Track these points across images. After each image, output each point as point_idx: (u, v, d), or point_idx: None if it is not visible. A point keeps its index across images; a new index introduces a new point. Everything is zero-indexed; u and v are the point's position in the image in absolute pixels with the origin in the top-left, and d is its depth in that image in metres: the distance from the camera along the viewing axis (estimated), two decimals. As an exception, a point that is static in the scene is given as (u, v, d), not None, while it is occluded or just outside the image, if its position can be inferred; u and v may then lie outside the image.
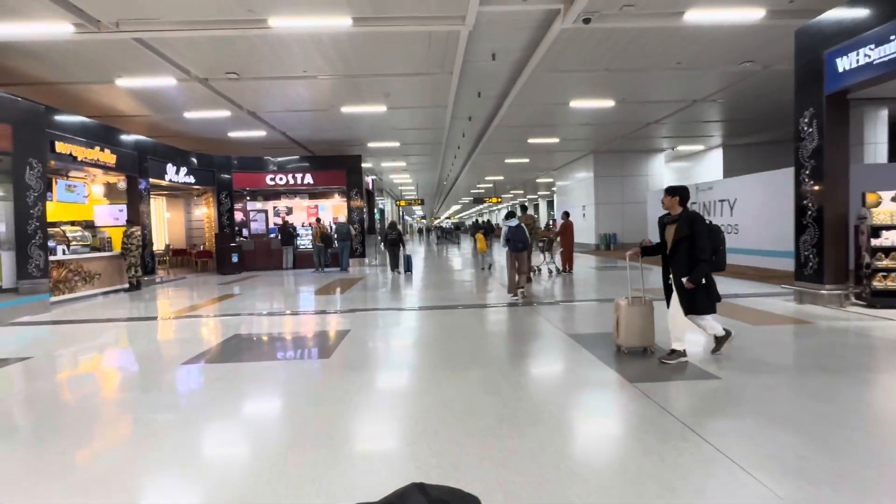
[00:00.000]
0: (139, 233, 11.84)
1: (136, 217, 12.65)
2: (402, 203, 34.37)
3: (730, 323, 6.13)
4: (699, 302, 4.54)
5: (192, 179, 15.36)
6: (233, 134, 15.51)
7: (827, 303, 6.80)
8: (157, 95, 11.51)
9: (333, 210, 19.68)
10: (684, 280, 4.48)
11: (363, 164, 19.67)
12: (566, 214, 13.90)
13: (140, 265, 11.94)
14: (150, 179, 13.65)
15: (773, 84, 12.11)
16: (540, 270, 13.32)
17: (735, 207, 13.42)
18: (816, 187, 6.86)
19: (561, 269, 12.97)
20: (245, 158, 17.15)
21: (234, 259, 15.86)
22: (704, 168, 22.46)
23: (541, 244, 13.63)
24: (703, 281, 4.47)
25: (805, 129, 6.99)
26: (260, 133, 15.52)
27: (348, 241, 15.91)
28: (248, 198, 19.00)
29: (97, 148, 11.04)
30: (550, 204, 52.81)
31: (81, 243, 11.21)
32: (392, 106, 12.96)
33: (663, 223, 4.83)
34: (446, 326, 6.74)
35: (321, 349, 5.77)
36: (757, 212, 12.60)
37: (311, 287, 11.94)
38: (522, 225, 9.14)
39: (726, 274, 11.28)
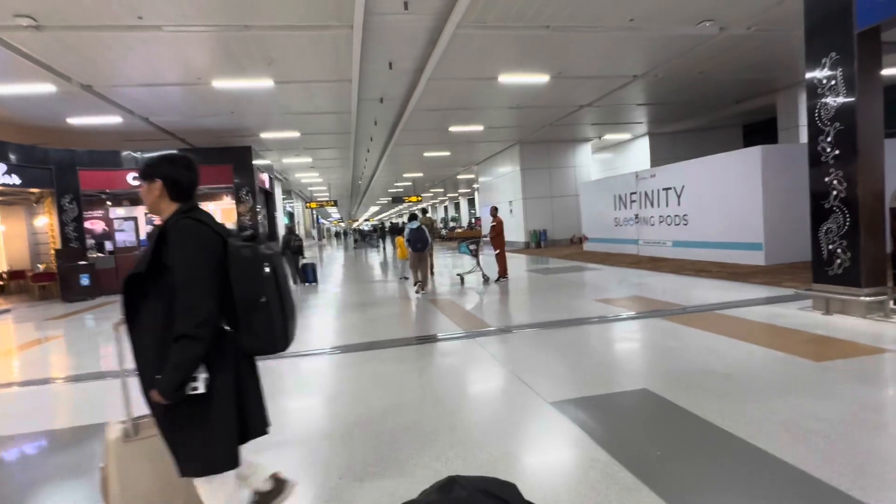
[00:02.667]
0: None
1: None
2: (314, 205, 31.11)
3: (762, 354, 4.21)
4: (188, 445, 1.84)
5: (15, 180, 11.62)
6: (74, 120, 11.93)
7: (866, 312, 5.11)
8: (-73, 57, 8.00)
9: (223, 215, 16.43)
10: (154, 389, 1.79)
11: (260, 161, 16.60)
12: (494, 210, 11.78)
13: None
14: (-57, 180, 9.98)
15: (720, 57, 10.78)
16: (464, 279, 11.04)
17: (683, 196, 12.02)
18: (845, 158, 5.15)
19: (498, 276, 10.85)
20: (96, 153, 13.51)
21: (85, 282, 12.30)
22: (631, 157, 21.55)
23: (472, 247, 11.36)
24: (197, 388, 1.77)
25: (825, 81, 5.27)
26: (113, 119, 12.07)
27: None
28: (110, 203, 15.29)
29: None
30: (471, 202, 51.41)
31: None
32: (281, 79, 10.21)
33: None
34: (363, 389, 4.25)
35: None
36: (709, 200, 11.22)
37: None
38: (423, 227, 9.87)
39: (690, 272, 9.73)
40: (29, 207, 15.39)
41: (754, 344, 4.53)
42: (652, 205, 13.17)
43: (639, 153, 21.07)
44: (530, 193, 20.66)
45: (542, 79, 11.39)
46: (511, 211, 21.91)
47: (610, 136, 20.61)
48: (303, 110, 12.80)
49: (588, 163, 21.34)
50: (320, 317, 7.98)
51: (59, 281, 12.46)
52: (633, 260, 12.64)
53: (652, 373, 4.09)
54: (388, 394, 4.00)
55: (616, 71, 11.42)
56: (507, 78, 11.17)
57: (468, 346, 5.33)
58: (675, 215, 12.24)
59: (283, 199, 29.47)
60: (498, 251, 10.95)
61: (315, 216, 54.74)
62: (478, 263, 11.04)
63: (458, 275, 11.24)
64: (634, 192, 13.93)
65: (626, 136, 20.77)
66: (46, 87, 9.57)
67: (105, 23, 7.14)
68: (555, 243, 20.63)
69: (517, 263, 14.53)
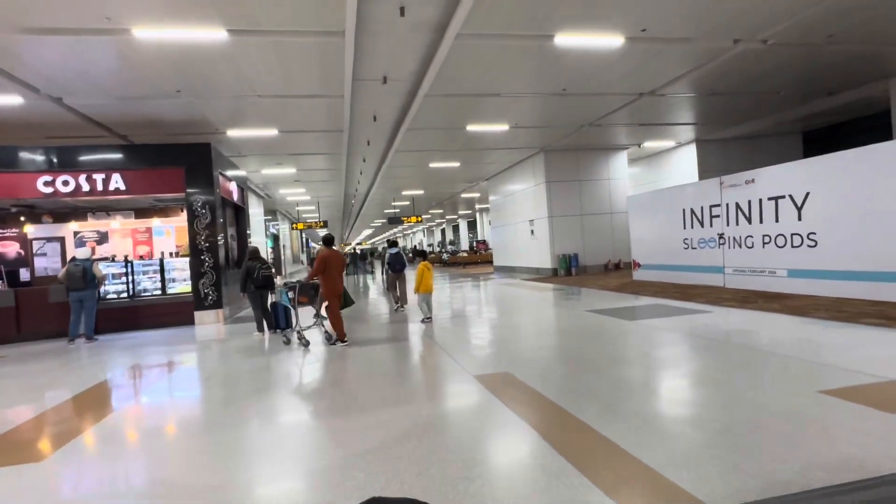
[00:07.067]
0: None
1: None
2: (301, 226, 27.56)
3: None
4: None
5: None
6: (-47, 100, 8.45)
7: None
8: None
9: (177, 234, 12.87)
10: None
11: (234, 171, 13.10)
12: (328, 241, 7.66)
13: None
14: None
15: (865, 14, 7.60)
16: (291, 341, 7.71)
17: (806, 207, 8.63)
18: None
19: (335, 338, 7.31)
20: (-5, 148, 9.93)
21: (-40, 327, 8.62)
22: (672, 170, 18.38)
23: (290, 294, 7.49)
24: None
25: None
26: (12, 99, 8.62)
27: (92, 290, 9.22)
28: (24, 218, 11.69)
29: None
30: (471, 224, 48.13)
31: None
32: (237, 27, 6.81)
33: None
34: None
35: None
36: (855, 211, 7.86)
37: (24, 403, 5.28)
38: (401, 251, 11.11)
39: (865, 318, 6.24)
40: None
41: None
42: (749, 220, 9.77)
43: (683, 164, 17.87)
44: (558, 210, 17.28)
45: (614, 41, 8.09)
46: (532, 232, 18.49)
47: (650, 144, 17.40)
48: (277, 91, 9.39)
49: (624, 175, 18.05)
50: (278, 429, 4.36)
51: (-77, 326, 8.79)
52: (735, 296, 9.14)
53: None
54: None
55: (718, 31, 8.14)
56: (566, 38, 7.84)
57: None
58: (795, 234, 8.82)
59: (267, 219, 25.96)
60: (327, 298, 7.27)
61: (304, 239, 51.11)
62: (316, 315, 7.65)
63: (281, 332, 8.26)
64: (717, 205, 10.54)
65: (670, 143, 17.56)
66: None
67: None
68: (586, 270, 17.18)
69: (549, 298, 11.03)
